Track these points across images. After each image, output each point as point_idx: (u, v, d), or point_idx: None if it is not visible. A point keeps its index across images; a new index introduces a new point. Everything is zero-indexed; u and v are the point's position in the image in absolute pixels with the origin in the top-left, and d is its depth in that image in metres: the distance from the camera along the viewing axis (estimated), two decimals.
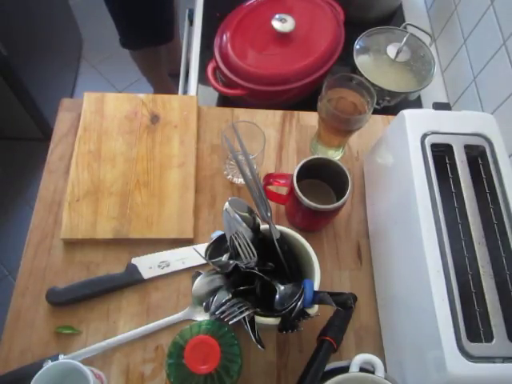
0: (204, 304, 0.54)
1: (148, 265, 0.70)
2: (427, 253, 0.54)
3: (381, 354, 0.66)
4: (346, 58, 0.91)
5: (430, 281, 0.52)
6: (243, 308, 0.51)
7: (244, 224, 0.56)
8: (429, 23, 1.09)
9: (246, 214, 0.57)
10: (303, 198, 0.64)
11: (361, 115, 0.71)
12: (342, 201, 0.64)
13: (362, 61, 0.91)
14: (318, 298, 0.54)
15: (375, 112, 0.76)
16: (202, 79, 0.95)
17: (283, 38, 0.88)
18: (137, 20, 1.30)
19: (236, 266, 0.55)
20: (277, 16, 0.87)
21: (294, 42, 0.88)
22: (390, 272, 0.67)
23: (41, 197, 0.75)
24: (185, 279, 0.70)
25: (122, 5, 1.26)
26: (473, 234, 0.56)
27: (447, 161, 0.62)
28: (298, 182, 0.65)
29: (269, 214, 0.60)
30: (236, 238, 0.55)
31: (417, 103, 0.96)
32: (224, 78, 0.89)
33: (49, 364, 0.53)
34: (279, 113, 0.87)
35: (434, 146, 0.61)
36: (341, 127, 0.73)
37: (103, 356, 0.64)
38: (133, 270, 0.69)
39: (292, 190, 0.66)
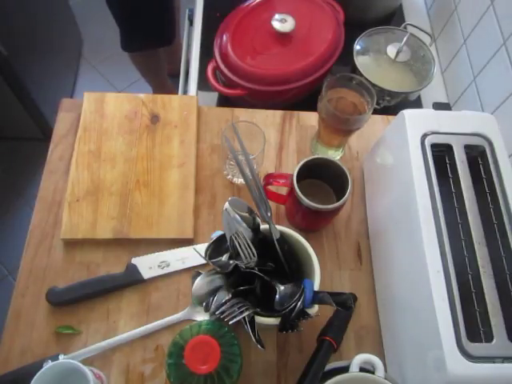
0: (204, 304, 0.54)
1: (148, 265, 0.70)
2: (427, 253, 0.54)
3: (381, 353, 0.66)
4: (345, 58, 0.90)
5: (429, 281, 0.52)
6: (243, 308, 0.51)
7: (244, 224, 0.56)
8: (429, 23, 1.09)
9: (246, 214, 0.57)
10: (303, 198, 0.64)
11: (361, 115, 0.71)
12: (342, 201, 0.64)
13: (362, 61, 0.91)
14: (317, 298, 0.54)
15: (375, 112, 0.76)
16: (202, 79, 0.95)
17: (283, 37, 0.88)
18: (138, 24, 1.30)
19: (236, 265, 0.55)
20: (277, 16, 0.87)
21: (294, 41, 0.88)
22: (390, 272, 0.67)
23: (41, 197, 0.75)
24: (185, 279, 0.70)
25: (123, 9, 1.26)
26: (473, 233, 0.56)
27: (447, 161, 0.62)
28: (297, 182, 0.65)
29: (269, 214, 0.60)
30: (236, 237, 0.55)
31: (417, 103, 0.96)
32: (224, 78, 0.89)
33: (49, 364, 0.53)
34: (279, 113, 0.87)
35: (433, 146, 0.61)
36: (341, 127, 0.73)
37: (103, 356, 0.64)
38: (133, 269, 0.69)
39: (292, 189, 0.66)
